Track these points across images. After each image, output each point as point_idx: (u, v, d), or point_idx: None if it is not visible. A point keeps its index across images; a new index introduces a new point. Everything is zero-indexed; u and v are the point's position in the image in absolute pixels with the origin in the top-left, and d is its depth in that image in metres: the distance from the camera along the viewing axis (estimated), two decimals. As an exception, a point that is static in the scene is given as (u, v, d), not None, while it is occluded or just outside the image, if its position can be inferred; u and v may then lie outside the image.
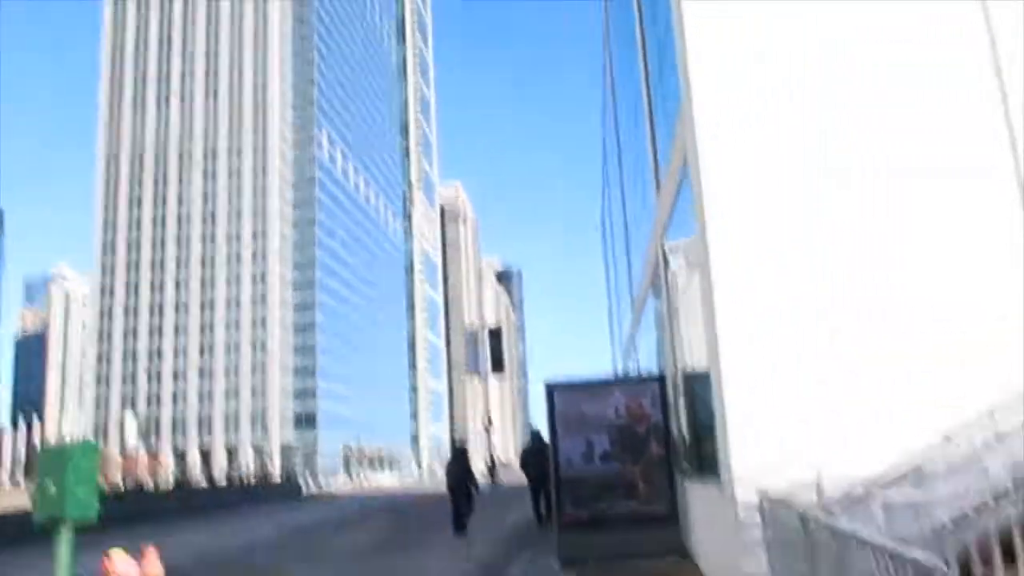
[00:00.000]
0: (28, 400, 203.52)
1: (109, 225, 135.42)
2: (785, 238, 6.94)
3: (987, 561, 5.27)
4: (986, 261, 6.72)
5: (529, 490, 16.47)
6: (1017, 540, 5.35)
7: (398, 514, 26.42)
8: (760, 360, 6.74)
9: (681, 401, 10.12)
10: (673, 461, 10.42)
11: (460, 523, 15.73)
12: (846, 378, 6.62)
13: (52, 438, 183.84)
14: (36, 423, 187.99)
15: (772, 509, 5.92)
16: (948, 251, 6.79)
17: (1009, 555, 5.35)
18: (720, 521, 7.37)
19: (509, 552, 12.36)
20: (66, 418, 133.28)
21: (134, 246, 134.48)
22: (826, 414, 6.62)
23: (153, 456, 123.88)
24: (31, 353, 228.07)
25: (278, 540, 18.06)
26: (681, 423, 10.25)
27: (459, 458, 17.01)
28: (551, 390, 10.64)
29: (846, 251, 6.86)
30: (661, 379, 10.79)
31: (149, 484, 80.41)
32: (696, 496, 9.17)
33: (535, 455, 15.52)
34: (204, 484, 65.45)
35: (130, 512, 26.47)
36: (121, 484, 74.22)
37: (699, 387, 8.91)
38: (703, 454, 8.94)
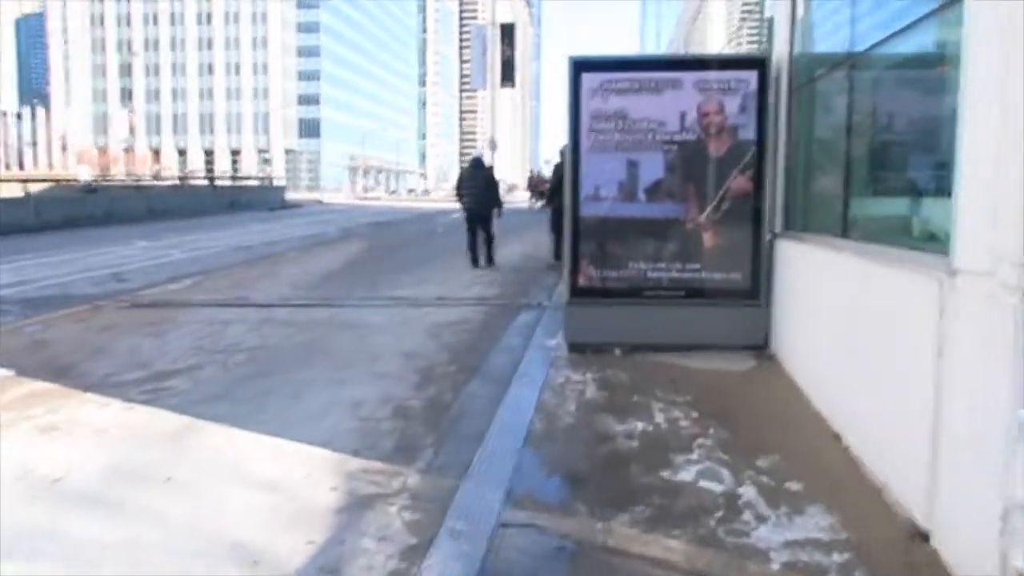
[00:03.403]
0: (34, 91, 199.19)
1: None
2: None
3: None
4: None
5: (548, 222, 13.05)
6: None
7: (388, 234, 23.05)
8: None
9: (804, 108, 5.86)
10: (764, 208, 6.36)
11: (477, 254, 13.12)
12: None
13: (58, 130, 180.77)
14: (42, 113, 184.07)
15: None
16: None
17: None
18: (891, 328, 3.51)
19: (494, 313, 8.71)
20: (72, 111, 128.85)
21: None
22: None
23: (155, 152, 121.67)
24: (33, 37, 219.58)
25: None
26: (797, 144, 6.06)
27: (478, 171, 13.35)
28: (578, 68, 6.20)
29: None
30: (761, 64, 6.33)
31: (147, 180, 78.58)
32: (812, 267, 5.24)
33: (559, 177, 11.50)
34: (199, 182, 63.02)
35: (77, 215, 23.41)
36: (118, 179, 72.24)
37: (880, 81, 4.64)
38: (862, 199, 4.85)
